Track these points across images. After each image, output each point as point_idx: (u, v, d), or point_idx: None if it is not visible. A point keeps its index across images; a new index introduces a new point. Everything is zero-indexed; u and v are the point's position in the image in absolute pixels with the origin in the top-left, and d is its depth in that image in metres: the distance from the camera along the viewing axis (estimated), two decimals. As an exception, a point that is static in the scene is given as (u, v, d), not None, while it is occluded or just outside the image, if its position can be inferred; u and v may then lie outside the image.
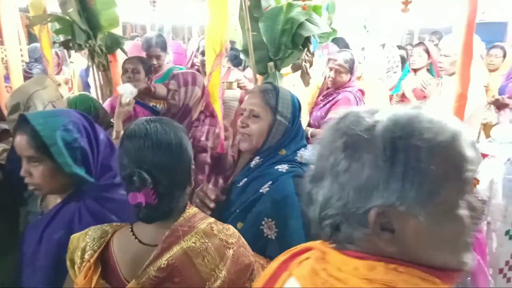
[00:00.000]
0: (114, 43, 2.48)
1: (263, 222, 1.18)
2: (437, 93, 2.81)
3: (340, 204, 0.56)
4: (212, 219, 0.97)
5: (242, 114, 1.36)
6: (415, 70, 3.33)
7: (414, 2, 3.37)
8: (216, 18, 1.84)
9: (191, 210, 0.96)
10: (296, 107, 1.35)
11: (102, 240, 0.93)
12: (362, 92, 2.66)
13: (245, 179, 1.31)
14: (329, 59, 2.65)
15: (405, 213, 0.53)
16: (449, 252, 0.56)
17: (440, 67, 2.66)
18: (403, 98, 3.28)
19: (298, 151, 1.31)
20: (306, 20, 2.11)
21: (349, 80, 2.58)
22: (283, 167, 1.25)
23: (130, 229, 0.95)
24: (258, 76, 2.23)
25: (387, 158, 0.53)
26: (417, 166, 0.52)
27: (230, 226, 0.98)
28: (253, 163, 1.32)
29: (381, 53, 3.72)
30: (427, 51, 3.25)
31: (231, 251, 0.92)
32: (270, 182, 1.22)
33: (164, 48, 2.71)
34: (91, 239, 0.93)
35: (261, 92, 1.34)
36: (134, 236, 0.93)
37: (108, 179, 1.15)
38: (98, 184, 1.13)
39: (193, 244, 0.89)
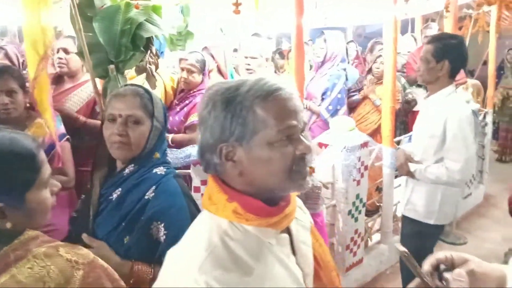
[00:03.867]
0: None
1: (151, 227, 1.15)
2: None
3: (207, 144, 0.79)
4: (61, 243, 0.84)
5: (111, 120, 1.24)
6: None
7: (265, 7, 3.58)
8: (33, 16, 1.64)
9: (31, 233, 0.83)
10: (165, 110, 1.34)
11: None
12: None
13: (119, 189, 1.22)
14: (181, 59, 2.63)
15: (240, 148, 0.76)
16: (279, 177, 0.76)
17: (248, 68, 2.79)
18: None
19: (165, 152, 1.33)
20: (145, 20, 2.04)
21: (202, 81, 2.59)
22: (161, 170, 1.26)
23: None
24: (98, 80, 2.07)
25: (222, 110, 0.77)
26: (242, 113, 0.75)
27: (84, 248, 0.87)
28: (126, 171, 1.24)
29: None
30: None
31: (80, 272, 0.80)
32: (154, 187, 1.20)
33: None
34: None
35: (136, 96, 1.25)
36: None
37: None
38: None
39: (29, 270, 0.75)
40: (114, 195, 1.23)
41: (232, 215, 0.77)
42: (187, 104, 2.65)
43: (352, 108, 3.65)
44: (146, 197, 1.19)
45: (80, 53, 2.01)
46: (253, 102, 0.75)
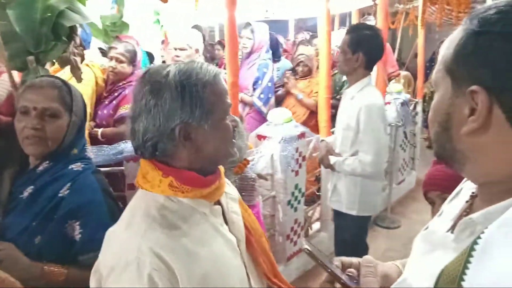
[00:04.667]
0: None
1: (66, 225, 1.10)
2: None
3: (155, 129, 0.82)
4: None
5: (24, 112, 1.15)
6: None
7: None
8: None
9: None
10: (84, 104, 1.28)
11: None
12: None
13: (31, 187, 1.14)
14: (110, 48, 2.51)
15: (196, 126, 0.83)
16: (227, 148, 0.89)
17: (177, 60, 2.73)
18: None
19: (84, 148, 1.27)
20: (67, 8, 1.91)
21: (132, 73, 2.50)
22: (78, 166, 1.20)
23: None
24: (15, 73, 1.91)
25: (178, 93, 0.81)
26: (197, 95, 0.82)
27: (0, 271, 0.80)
28: (40, 168, 1.16)
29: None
30: None
31: None
32: (69, 184, 1.14)
33: None
34: None
35: (53, 88, 1.17)
36: None
37: None
38: None
39: None
40: (26, 193, 1.15)
41: (168, 189, 0.83)
42: (116, 97, 2.53)
43: (278, 102, 3.68)
44: (60, 194, 1.14)
45: (-7, 43, 1.84)
46: (205, 84, 0.83)
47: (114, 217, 1.18)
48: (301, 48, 4.19)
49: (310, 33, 5.28)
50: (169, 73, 0.83)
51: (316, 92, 3.51)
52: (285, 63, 4.11)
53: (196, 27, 4.08)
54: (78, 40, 2.00)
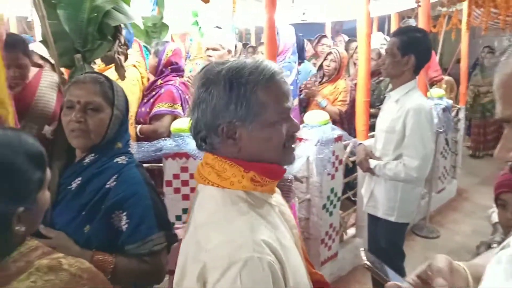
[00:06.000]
0: None
1: (113, 215, 1.14)
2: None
3: (203, 123, 0.83)
4: (60, 254, 0.79)
5: (70, 107, 1.20)
6: None
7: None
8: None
9: (31, 243, 0.77)
10: (127, 99, 1.31)
11: None
12: (186, 85, 2.65)
13: (79, 178, 1.19)
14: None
15: (240, 126, 0.82)
16: (274, 152, 0.85)
17: (209, 60, 2.78)
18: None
19: (128, 143, 1.30)
20: (113, 8, 1.97)
21: (167, 74, 2.58)
22: (122, 159, 1.24)
23: None
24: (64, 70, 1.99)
25: (226, 90, 0.81)
26: (244, 95, 0.80)
27: (84, 261, 0.82)
28: (86, 160, 1.21)
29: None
30: None
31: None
32: (115, 176, 1.19)
33: None
34: None
35: (96, 83, 1.22)
36: None
37: None
38: None
39: (32, 284, 0.70)
40: (74, 185, 1.19)
41: (250, 184, 0.83)
42: (153, 96, 2.62)
43: (304, 107, 3.56)
44: (107, 186, 1.17)
45: (45, 41, 1.93)
46: (256, 85, 0.81)
47: (157, 210, 1.21)
48: (324, 40, 4.06)
49: (347, 37, 5.20)
50: (223, 69, 0.82)
51: (341, 101, 3.41)
52: (306, 65, 4.03)
53: (217, 28, 4.08)
54: (122, 40, 2.06)
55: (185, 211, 2.16)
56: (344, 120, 3.39)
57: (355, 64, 4.12)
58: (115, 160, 1.23)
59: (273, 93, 0.82)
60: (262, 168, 0.84)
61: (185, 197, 2.19)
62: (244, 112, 0.80)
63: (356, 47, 3.71)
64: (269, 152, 0.85)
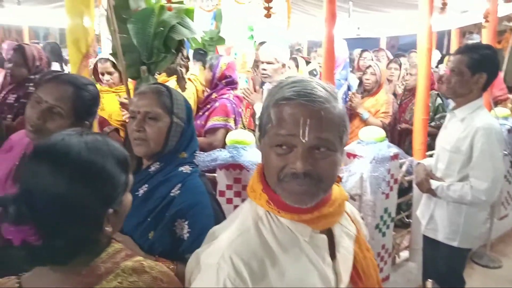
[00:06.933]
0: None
1: (175, 223, 1.18)
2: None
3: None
4: (141, 257, 0.84)
5: (133, 117, 1.26)
6: None
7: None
8: (76, 18, 1.71)
9: (117, 245, 0.82)
10: (189, 108, 1.34)
11: None
12: (240, 98, 2.70)
13: (146, 185, 1.24)
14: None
15: (262, 138, 0.80)
16: (271, 180, 0.79)
17: (263, 74, 2.74)
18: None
19: (194, 153, 1.33)
20: (178, 23, 2.06)
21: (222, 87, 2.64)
22: (186, 169, 1.27)
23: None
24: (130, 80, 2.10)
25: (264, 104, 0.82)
26: (264, 109, 0.80)
27: (162, 265, 0.87)
28: (152, 168, 1.26)
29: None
30: None
31: None
32: (179, 185, 1.22)
33: None
34: None
35: (155, 93, 1.26)
36: None
37: None
38: None
39: (119, 285, 0.75)
40: (141, 191, 1.23)
41: (266, 205, 0.80)
42: (208, 109, 2.68)
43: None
44: (171, 194, 1.20)
45: (114, 54, 2.06)
46: (270, 103, 0.78)
47: (217, 220, 1.22)
48: (365, 54, 4.00)
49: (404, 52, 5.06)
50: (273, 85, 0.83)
51: (383, 113, 3.31)
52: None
53: (261, 43, 4.10)
54: (185, 53, 2.15)
55: (236, 222, 2.18)
56: (388, 133, 3.29)
57: (389, 80, 4.01)
58: (179, 169, 1.26)
59: (278, 114, 0.76)
60: (272, 196, 0.79)
61: (237, 208, 2.20)
62: (262, 126, 0.80)
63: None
64: (269, 178, 0.80)
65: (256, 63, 3.49)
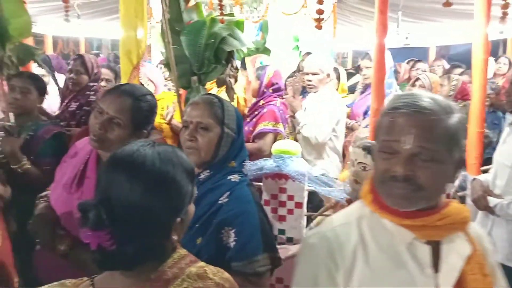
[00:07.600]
0: (27, 55, 2.31)
1: (222, 231, 1.19)
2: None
3: None
4: (203, 263, 0.87)
5: (186, 126, 1.30)
6: None
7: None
8: (130, 30, 1.80)
9: (182, 251, 0.85)
10: (240, 119, 1.36)
11: None
12: (286, 105, 2.72)
13: (196, 192, 1.27)
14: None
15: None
16: (376, 184, 0.85)
17: (309, 84, 2.73)
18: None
19: (243, 163, 1.35)
20: (228, 35, 2.12)
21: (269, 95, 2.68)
22: (235, 177, 1.28)
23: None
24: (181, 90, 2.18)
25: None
26: (379, 118, 0.87)
27: (223, 271, 0.89)
28: (202, 176, 1.29)
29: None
30: None
31: None
32: (228, 193, 1.23)
33: None
34: None
35: (207, 104, 1.30)
36: None
37: None
38: None
39: None
40: None
41: (371, 205, 0.85)
42: (256, 115, 2.71)
43: None
44: (219, 201, 1.21)
45: (167, 64, 2.14)
46: (383, 112, 0.86)
47: (264, 230, 1.23)
48: (419, 65, 3.86)
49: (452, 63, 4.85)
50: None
51: None
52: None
53: (307, 54, 4.07)
54: (234, 64, 2.20)
55: (281, 231, 2.17)
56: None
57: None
58: (228, 178, 1.27)
59: (384, 123, 0.84)
60: (375, 196, 0.85)
61: (281, 218, 2.20)
62: (375, 131, 0.88)
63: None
64: (375, 180, 0.86)
65: (296, 72, 3.51)
